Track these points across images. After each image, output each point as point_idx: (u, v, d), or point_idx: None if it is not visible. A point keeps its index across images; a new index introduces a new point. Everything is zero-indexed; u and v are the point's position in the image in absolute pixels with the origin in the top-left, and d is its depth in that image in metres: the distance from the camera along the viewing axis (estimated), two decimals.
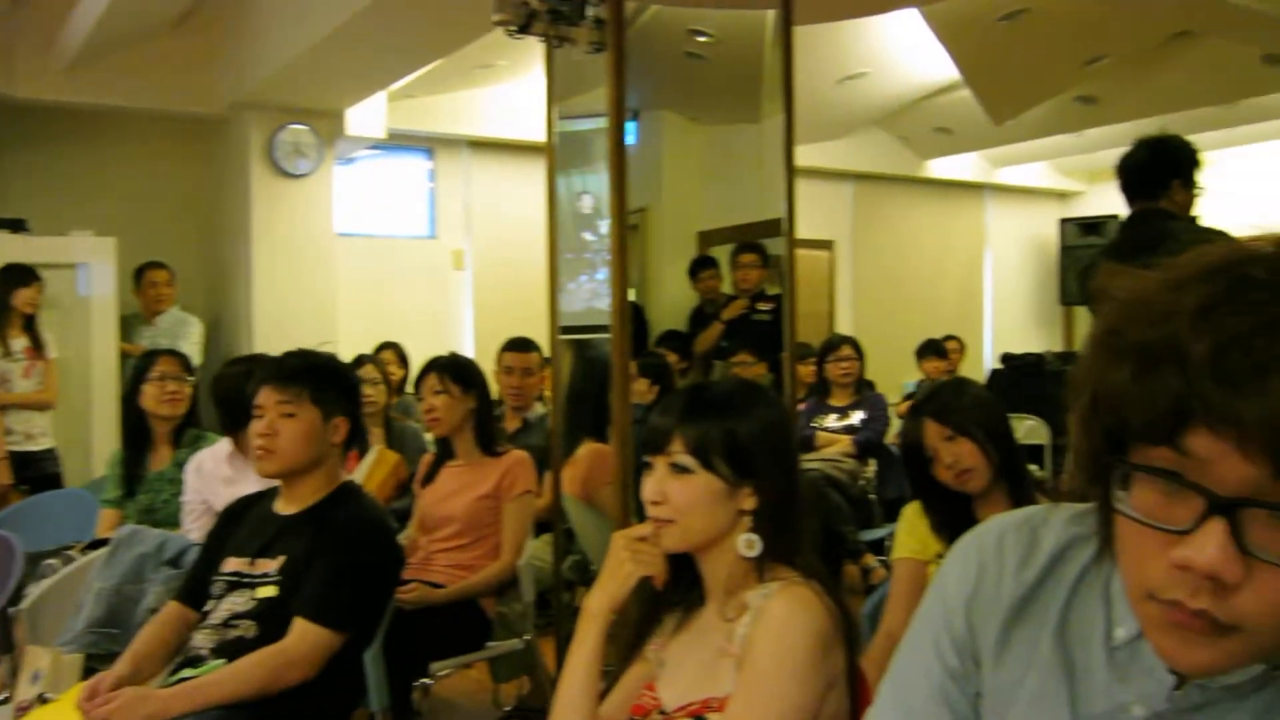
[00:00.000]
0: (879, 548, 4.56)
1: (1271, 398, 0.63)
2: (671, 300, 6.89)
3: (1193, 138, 8.19)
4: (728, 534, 1.50)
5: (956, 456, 2.13)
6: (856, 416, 5.08)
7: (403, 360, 5.78)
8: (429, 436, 3.99)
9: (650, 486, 1.52)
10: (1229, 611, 0.68)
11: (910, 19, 5.35)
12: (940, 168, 8.53)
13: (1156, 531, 0.70)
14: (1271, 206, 8.44)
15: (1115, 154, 8.64)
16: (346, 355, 5.62)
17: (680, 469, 1.50)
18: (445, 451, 3.27)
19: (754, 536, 1.48)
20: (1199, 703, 0.79)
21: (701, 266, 6.35)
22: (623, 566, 1.53)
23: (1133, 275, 0.74)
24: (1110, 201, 9.38)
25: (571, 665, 1.53)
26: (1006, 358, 6.73)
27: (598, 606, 1.55)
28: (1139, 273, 0.73)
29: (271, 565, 2.22)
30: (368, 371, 4.26)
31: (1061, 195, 9.72)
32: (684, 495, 1.49)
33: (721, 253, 6.34)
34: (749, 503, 1.50)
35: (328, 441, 2.33)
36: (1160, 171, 3.12)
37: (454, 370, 3.21)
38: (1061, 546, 0.89)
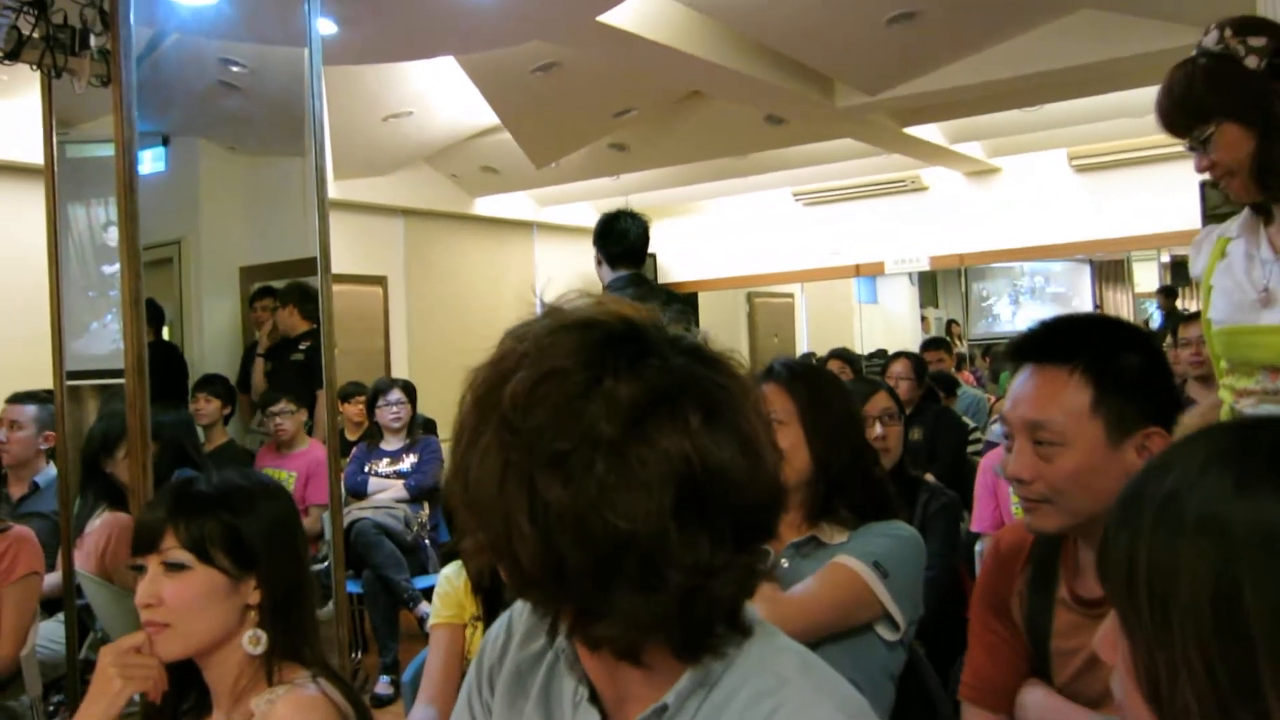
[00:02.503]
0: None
1: None
2: (215, 339, 6.49)
3: (710, 185, 9.01)
4: (233, 633, 1.41)
5: None
6: (409, 460, 5.04)
7: None
8: None
9: (143, 589, 1.39)
10: None
11: (451, 63, 5.44)
12: (489, 205, 8.74)
13: None
14: (777, 249, 9.54)
15: (649, 195, 9.31)
16: None
17: (175, 566, 1.39)
18: None
19: (260, 633, 1.41)
20: None
21: (256, 298, 6.07)
22: (110, 685, 1.38)
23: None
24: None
25: None
26: None
27: None
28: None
29: None
30: None
31: None
32: (181, 595, 1.38)
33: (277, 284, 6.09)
34: (254, 596, 1.42)
35: None
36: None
37: None
38: None
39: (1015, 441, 1.40)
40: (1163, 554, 0.68)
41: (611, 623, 0.79)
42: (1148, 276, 9.63)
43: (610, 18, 4.36)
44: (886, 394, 3.08)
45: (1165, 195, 7.25)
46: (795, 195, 9.42)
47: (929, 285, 10.96)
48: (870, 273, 9.35)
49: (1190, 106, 1.70)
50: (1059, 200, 8.13)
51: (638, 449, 0.76)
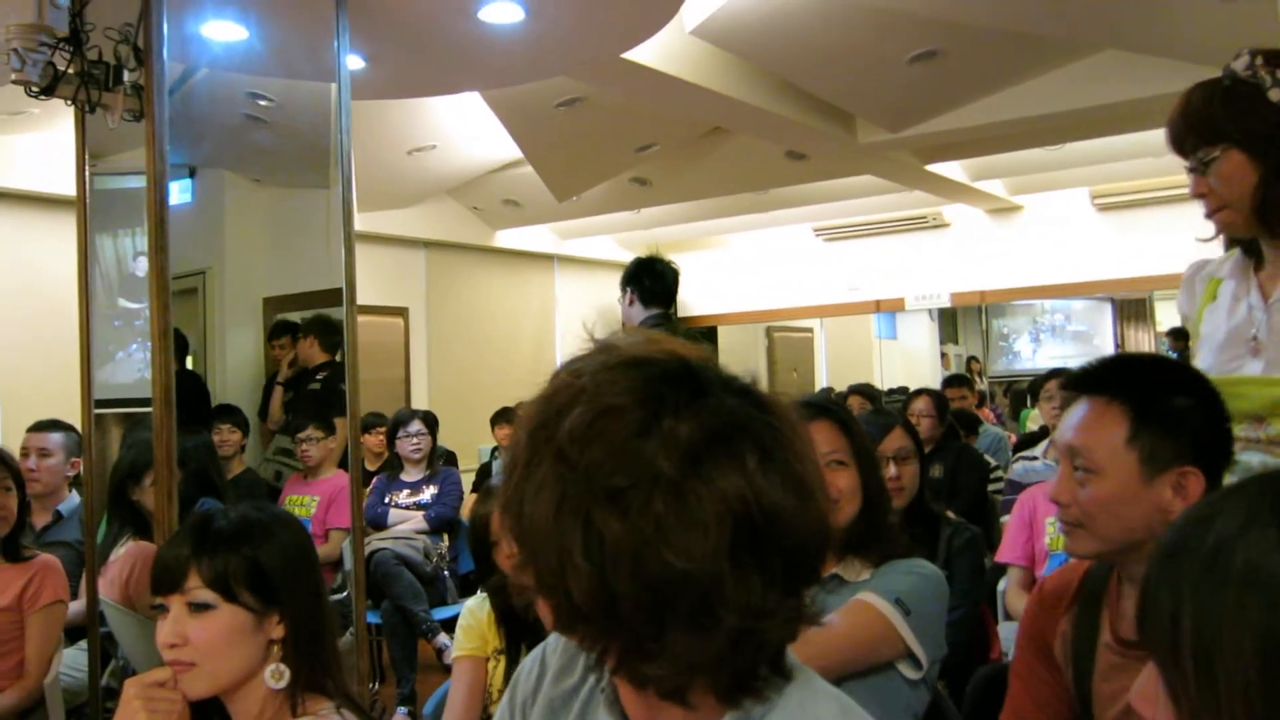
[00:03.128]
0: (453, 626, 4.56)
1: None
2: (237, 368, 6.54)
3: (731, 220, 9.03)
4: (257, 669, 1.41)
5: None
6: (429, 492, 5.05)
7: None
8: None
9: (166, 630, 1.39)
10: None
11: (475, 98, 5.50)
12: (510, 238, 8.80)
13: None
14: (796, 284, 9.55)
15: (669, 230, 9.34)
16: None
17: (201, 606, 1.39)
18: None
19: (283, 667, 1.41)
20: None
21: (273, 335, 6.13)
22: (135, 718, 1.38)
23: None
24: None
25: None
26: None
27: None
28: None
29: None
30: None
31: (623, 267, 10.31)
32: (207, 635, 1.38)
33: (296, 318, 6.15)
34: (277, 631, 1.42)
35: None
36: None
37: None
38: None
39: (1060, 466, 1.47)
40: (1207, 611, 0.67)
41: (662, 663, 0.78)
42: (1170, 316, 9.60)
43: (635, 55, 4.41)
44: (903, 430, 2.95)
45: (1188, 235, 7.22)
46: (816, 231, 9.44)
47: (949, 322, 10.93)
48: (890, 309, 9.35)
49: (1202, 126, 1.68)
50: (1081, 238, 8.12)
51: (696, 488, 0.76)
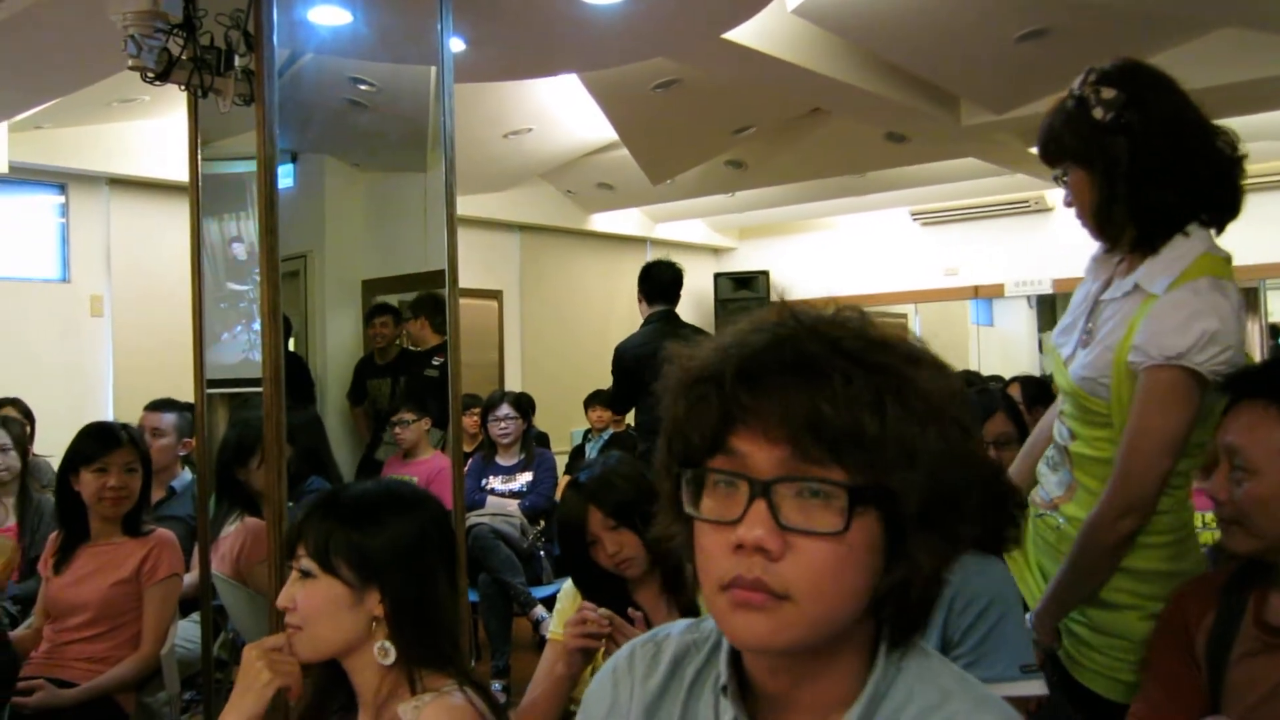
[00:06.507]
0: (551, 604, 4.59)
1: (780, 395, 0.80)
2: (337, 350, 6.66)
3: (825, 203, 8.93)
4: (363, 642, 1.45)
5: (620, 545, 2.11)
6: (523, 479, 5.09)
7: (28, 417, 5.19)
8: None
9: (284, 593, 1.47)
10: (778, 579, 0.80)
11: (572, 80, 5.50)
12: (603, 221, 8.81)
13: (721, 528, 0.83)
14: (892, 268, 9.40)
15: (764, 214, 9.27)
16: None
17: (305, 574, 1.45)
18: (77, 530, 2.95)
19: (387, 645, 1.44)
20: None
21: (373, 315, 6.21)
22: (259, 677, 1.45)
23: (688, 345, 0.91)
24: (760, 258, 10.11)
25: None
26: None
27: None
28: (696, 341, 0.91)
29: None
30: None
31: (716, 250, 10.32)
32: (309, 601, 1.44)
33: (393, 300, 6.22)
34: (379, 609, 1.45)
35: None
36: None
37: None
38: (680, 653, 1.00)
39: (1221, 463, 1.52)
40: None
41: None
42: None
43: (735, 35, 4.36)
44: (1005, 414, 2.86)
45: None
46: (913, 214, 9.27)
47: (1047, 309, 10.64)
48: (989, 295, 9.15)
49: (1051, 144, 1.77)
50: None
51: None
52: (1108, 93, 1.67)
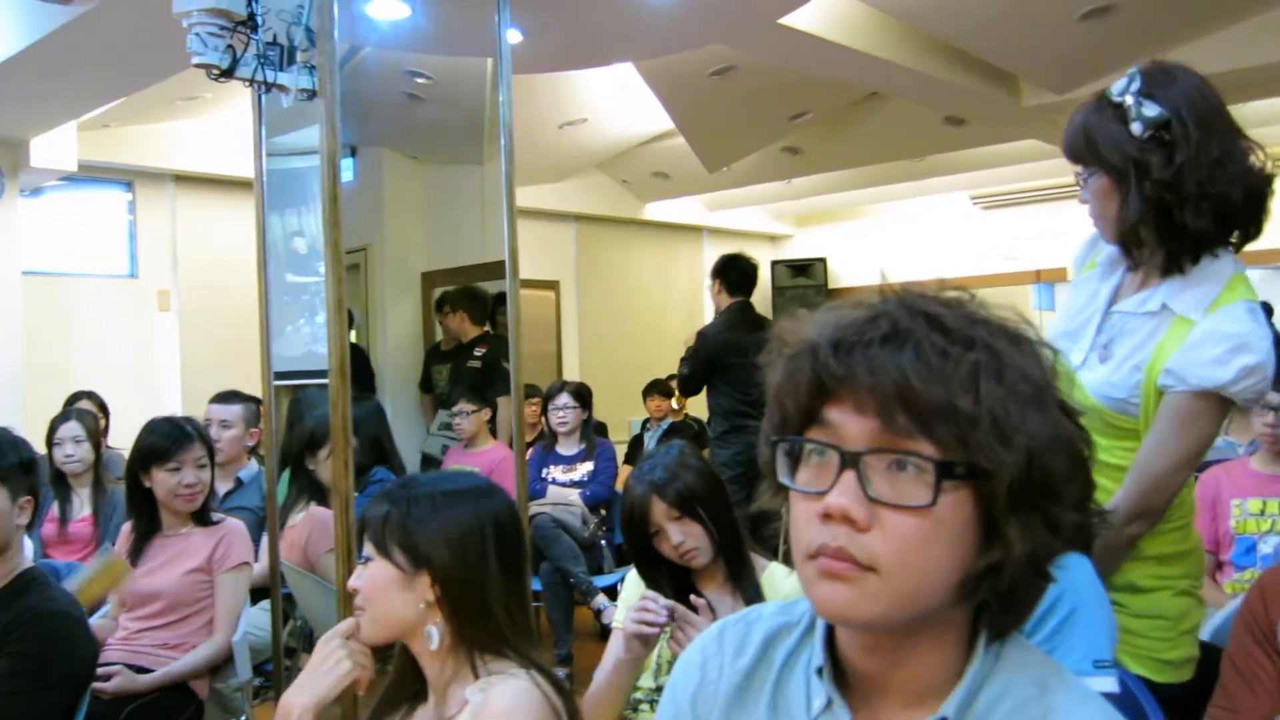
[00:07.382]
0: (612, 594, 4.61)
1: (871, 366, 0.80)
2: (397, 341, 6.73)
3: (883, 188, 8.83)
4: (419, 626, 1.49)
5: (684, 536, 2.11)
6: (584, 469, 5.11)
7: (103, 410, 5.32)
8: None
9: (353, 576, 1.53)
10: (863, 550, 0.80)
11: (626, 70, 5.50)
12: (659, 210, 8.80)
13: (811, 498, 0.83)
14: (951, 254, 9.27)
15: (820, 200, 9.18)
16: (35, 404, 5.19)
17: (365, 558, 1.51)
18: (149, 522, 3.02)
19: (433, 629, 1.47)
20: None
21: (440, 305, 6.28)
22: (340, 665, 1.49)
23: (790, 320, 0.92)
24: (817, 245, 10.03)
25: None
26: None
27: (302, 706, 1.49)
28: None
29: None
30: (70, 428, 3.93)
31: (773, 238, 10.27)
32: (367, 584, 1.49)
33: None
34: (430, 593, 1.47)
35: (14, 524, 2.13)
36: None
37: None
38: (771, 634, 0.99)
39: None
40: None
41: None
42: None
43: (792, 20, 4.32)
44: None
45: None
46: (973, 199, 9.14)
47: None
48: (1051, 279, 8.99)
49: (1078, 145, 1.69)
50: None
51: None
52: (1150, 109, 1.58)
